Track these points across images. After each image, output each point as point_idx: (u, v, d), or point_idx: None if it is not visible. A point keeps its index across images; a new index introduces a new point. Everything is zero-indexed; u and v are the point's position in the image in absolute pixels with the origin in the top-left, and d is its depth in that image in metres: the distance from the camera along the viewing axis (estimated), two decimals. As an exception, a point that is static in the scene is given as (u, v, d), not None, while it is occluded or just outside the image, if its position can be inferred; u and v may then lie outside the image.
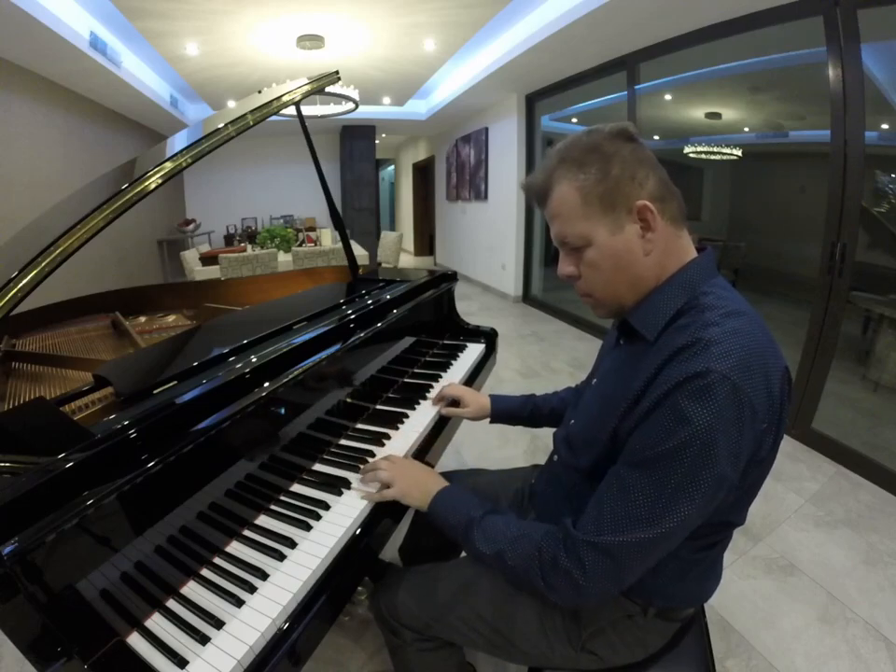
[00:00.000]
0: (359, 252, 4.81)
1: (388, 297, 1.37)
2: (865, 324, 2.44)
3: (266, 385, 0.87)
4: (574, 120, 4.94)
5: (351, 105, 4.54)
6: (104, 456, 0.63)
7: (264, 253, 4.24)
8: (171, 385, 0.86)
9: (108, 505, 0.61)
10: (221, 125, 1.11)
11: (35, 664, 0.53)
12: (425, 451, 1.09)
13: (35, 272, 0.78)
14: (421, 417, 1.17)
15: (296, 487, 0.92)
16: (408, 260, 9.51)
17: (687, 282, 0.66)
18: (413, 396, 1.26)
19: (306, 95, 1.39)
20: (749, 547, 1.70)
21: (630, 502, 0.60)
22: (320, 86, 1.45)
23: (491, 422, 1.18)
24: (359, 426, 1.14)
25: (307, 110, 4.68)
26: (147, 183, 0.94)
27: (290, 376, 0.92)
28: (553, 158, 0.69)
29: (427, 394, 1.27)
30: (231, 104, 5.41)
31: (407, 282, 1.56)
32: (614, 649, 0.78)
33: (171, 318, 1.72)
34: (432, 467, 1.03)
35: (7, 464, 0.62)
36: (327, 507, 0.85)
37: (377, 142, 7.89)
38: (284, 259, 4.58)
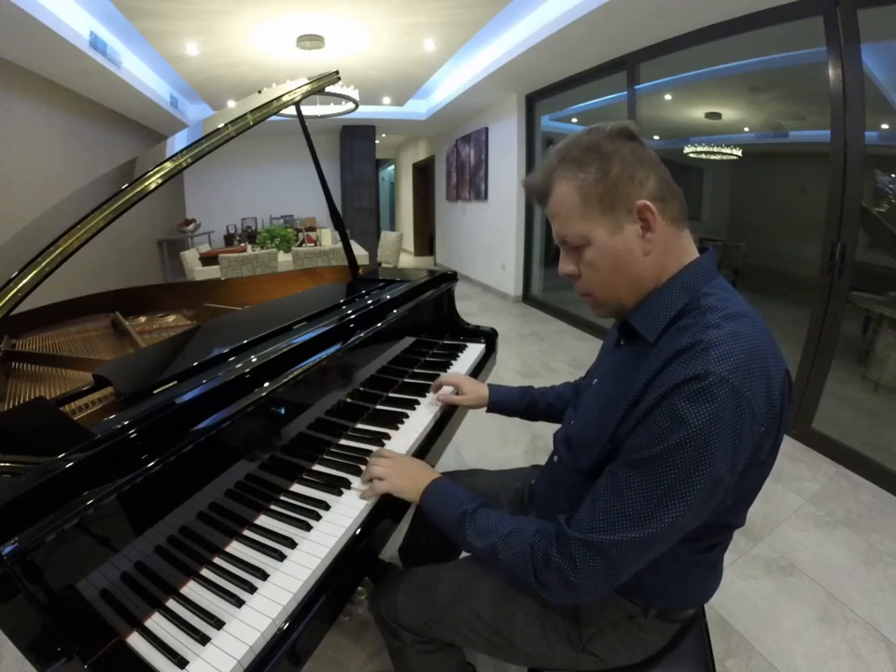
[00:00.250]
0: (359, 252, 4.81)
1: (388, 297, 1.37)
2: (865, 324, 2.44)
3: (266, 385, 0.87)
4: (574, 120, 4.94)
5: (351, 105, 4.54)
6: (104, 456, 0.63)
7: (264, 253, 4.24)
8: (171, 385, 0.86)
9: (108, 505, 0.61)
10: (221, 125, 1.11)
11: (35, 664, 0.53)
12: (425, 451, 1.09)
13: (35, 272, 0.78)
14: (421, 417, 1.17)
15: (296, 487, 0.92)
16: (408, 260, 9.50)
17: (688, 283, 0.66)
18: (414, 396, 1.26)
19: (306, 95, 1.39)
20: (749, 547, 1.70)
21: (623, 501, 0.60)
22: (320, 86, 1.45)
23: (488, 411, 1.18)
24: (359, 426, 1.14)
25: (307, 110, 4.68)
26: (147, 183, 0.94)
27: (290, 376, 0.92)
28: (554, 157, 0.69)
29: (428, 394, 1.27)
30: (231, 104, 5.41)
31: (407, 282, 1.56)
32: (614, 649, 0.78)
33: (171, 318, 1.72)
34: (432, 466, 1.03)
35: (7, 464, 0.62)
36: (327, 507, 0.85)
37: (377, 142, 7.89)
38: (284, 259, 4.58)
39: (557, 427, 0.95)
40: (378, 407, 1.23)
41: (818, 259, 2.29)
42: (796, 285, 2.77)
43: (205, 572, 0.72)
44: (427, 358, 1.53)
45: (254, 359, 0.92)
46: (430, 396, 1.25)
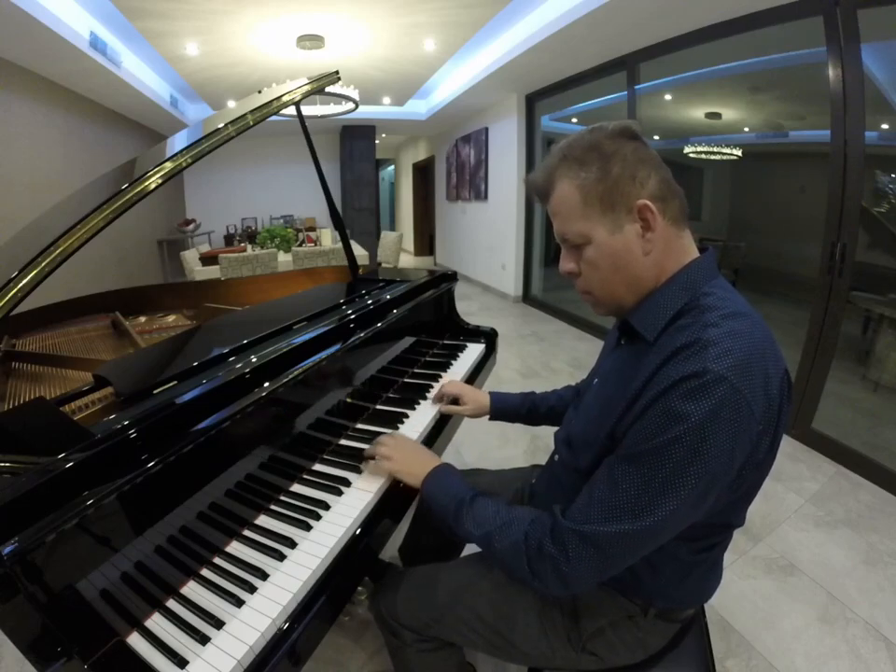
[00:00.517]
0: (359, 252, 4.81)
1: (388, 297, 1.37)
2: (865, 324, 2.44)
3: (266, 385, 0.87)
4: (574, 120, 4.94)
5: (351, 105, 4.54)
6: (104, 456, 0.63)
7: (264, 253, 4.24)
8: (171, 385, 0.86)
9: (108, 505, 0.61)
10: (221, 125, 1.11)
11: (35, 664, 0.53)
12: (425, 451, 1.08)
13: (35, 272, 0.78)
14: (421, 417, 1.17)
15: (296, 487, 0.92)
16: (408, 260, 9.50)
17: (688, 282, 0.66)
18: (413, 396, 1.26)
19: (306, 95, 1.39)
20: (749, 547, 1.70)
21: (618, 494, 0.60)
22: (320, 86, 1.45)
23: (490, 419, 1.18)
24: (359, 426, 1.14)
25: (307, 110, 4.68)
26: (147, 183, 0.94)
27: (290, 376, 0.92)
28: (556, 155, 0.69)
29: (427, 394, 1.27)
30: (231, 104, 5.41)
31: (407, 282, 1.56)
32: (614, 649, 0.78)
33: (171, 318, 1.72)
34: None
35: (7, 464, 0.62)
36: (327, 507, 0.85)
37: (377, 142, 7.89)
38: (284, 259, 4.58)
39: (558, 427, 0.95)
40: (378, 407, 1.23)
41: (818, 259, 2.29)
42: (796, 285, 2.77)
43: (205, 572, 0.72)
44: (427, 358, 1.53)
45: (254, 359, 0.92)
46: (430, 396, 1.25)
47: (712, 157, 3.36)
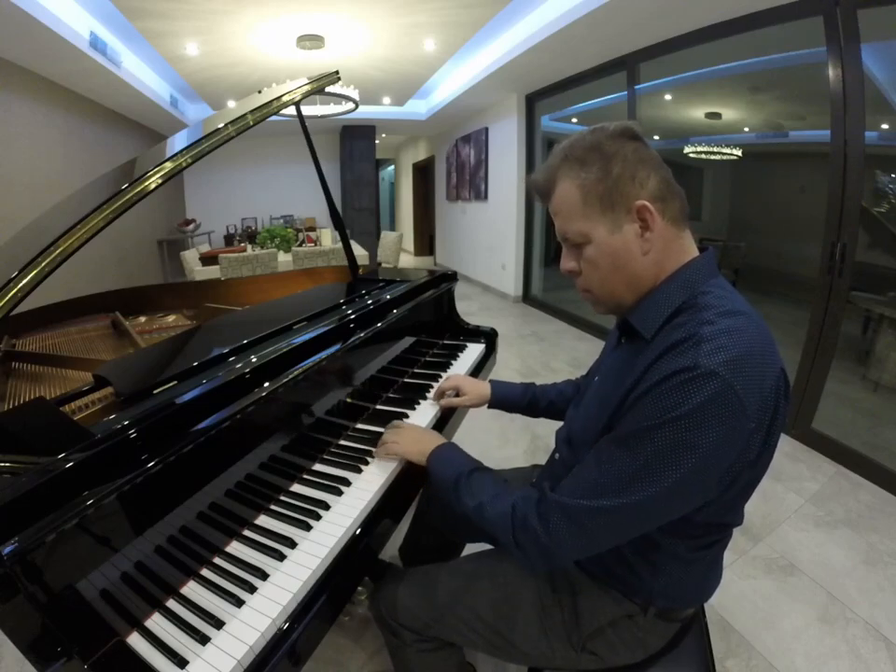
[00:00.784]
0: (359, 252, 4.81)
1: (388, 297, 1.37)
2: (865, 324, 2.44)
3: (266, 385, 0.87)
4: (574, 120, 4.94)
5: (351, 105, 4.54)
6: (104, 456, 0.63)
7: (264, 253, 4.24)
8: (171, 385, 0.86)
9: (108, 505, 0.61)
10: (221, 125, 1.11)
11: (35, 664, 0.53)
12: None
13: (35, 272, 0.78)
14: (421, 417, 1.17)
15: (296, 487, 0.92)
16: (408, 260, 9.50)
17: (686, 281, 0.66)
18: (414, 396, 1.26)
19: (306, 95, 1.39)
20: (749, 547, 1.70)
21: (601, 472, 0.62)
22: (320, 86, 1.45)
23: (489, 407, 1.19)
24: (359, 426, 1.14)
25: (307, 110, 4.68)
26: (147, 183, 0.94)
27: (290, 376, 0.92)
28: (557, 155, 0.69)
29: (428, 394, 1.27)
30: (231, 104, 5.41)
31: (407, 282, 1.56)
32: (614, 649, 0.78)
33: (171, 318, 1.72)
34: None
35: (7, 464, 0.62)
36: (327, 507, 0.85)
37: (377, 142, 7.89)
38: (284, 259, 4.58)
39: (557, 426, 0.95)
40: (378, 407, 1.23)
41: (818, 259, 2.29)
42: (796, 285, 2.77)
43: (205, 572, 0.72)
44: (427, 358, 1.53)
45: (254, 359, 0.92)
46: (430, 396, 1.25)
47: (712, 157, 3.36)
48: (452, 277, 1.72)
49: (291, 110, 1.40)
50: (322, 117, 4.99)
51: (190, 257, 4.67)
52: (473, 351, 1.60)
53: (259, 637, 0.62)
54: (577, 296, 0.76)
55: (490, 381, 1.20)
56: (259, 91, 1.44)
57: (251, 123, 1.19)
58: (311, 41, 3.84)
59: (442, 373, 1.41)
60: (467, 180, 6.60)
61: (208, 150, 1.07)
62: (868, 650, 1.32)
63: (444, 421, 1.20)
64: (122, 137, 5.40)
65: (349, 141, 7.10)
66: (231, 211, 7.57)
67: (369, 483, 0.92)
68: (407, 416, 1.17)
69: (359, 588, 1.15)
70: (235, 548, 0.77)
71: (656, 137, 3.79)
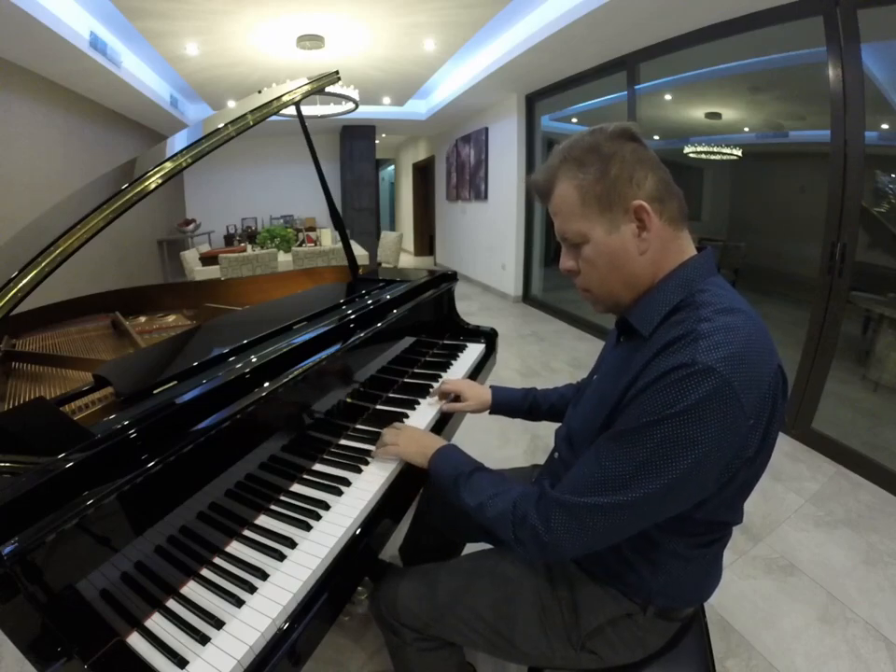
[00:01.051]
0: (359, 252, 4.81)
1: (388, 297, 1.37)
2: (865, 324, 2.44)
3: (266, 385, 0.87)
4: (574, 120, 4.94)
5: (351, 105, 4.54)
6: (104, 456, 0.63)
7: (264, 253, 4.24)
8: (171, 385, 0.86)
9: (108, 505, 0.61)
10: (221, 125, 1.11)
11: (35, 664, 0.53)
12: (425, 451, 1.08)
13: (35, 272, 0.78)
14: (421, 417, 1.17)
15: (296, 487, 0.92)
16: (408, 260, 9.50)
17: (684, 279, 0.67)
18: (414, 396, 1.26)
19: (306, 95, 1.39)
20: (749, 547, 1.70)
21: (601, 468, 0.62)
22: (320, 86, 1.45)
23: (490, 413, 1.19)
24: (359, 426, 1.14)
25: (307, 110, 4.68)
26: (147, 183, 0.94)
27: (290, 376, 0.92)
28: (556, 156, 0.70)
29: (427, 394, 1.27)
30: (231, 104, 5.41)
31: (407, 282, 1.56)
32: (614, 648, 0.78)
33: (171, 318, 1.72)
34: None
35: (7, 464, 0.62)
36: (327, 507, 0.85)
37: (377, 142, 7.89)
38: (284, 259, 4.58)
39: (557, 426, 0.95)
40: (378, 407, 1.23)
41: (818, 259, 2.29)
42: (796, 285, 2.76)
43: (205, 572, 0.72)
44: (427, 358, 1.53)
45: (254, 359, 0.92)
46: (430, 397, 1.25)
47: (712, 157, 3.36)
48: (452, 277, 1.72)
49: (291, 110, 1.40)
50: (322, 117, 4.99)
51: (190, 257, 4.67)
52: (473, 351, 1.60)
53: (258, 637, 0.62)
54: (577, 296, 0.76)
55: (491, 387, 1.19)
56: (259, 91, 1.44)
57: (251, 123, 1.19)
58: (311, 41, 3.84)
59: (442, 373, 1.41)
60: (467, 180, 6.60)
61: (208, 150, 1.07)
62: (868, 650, 1.32)
63: (444, 422, 1.20)
64: (122, 137, 5.40)
65: (349, 141, 7.10)
66: (231, 211, 7.57)
67: (369, 484, 0.92)
68: (407, 416, 1.17)
69: (359, 588, 1.14)
70: (235, 548, 0.77)
71: (656, 137, 3.79)
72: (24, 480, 0.57)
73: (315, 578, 0.72)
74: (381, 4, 3.27)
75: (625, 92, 3.73)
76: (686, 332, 0.59)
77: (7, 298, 0.76)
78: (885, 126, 2.21)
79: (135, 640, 0.61)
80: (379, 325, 1.21)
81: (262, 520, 0.84)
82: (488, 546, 0.98)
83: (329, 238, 5.59)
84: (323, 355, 1.01)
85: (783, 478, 2.10)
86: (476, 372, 1.50)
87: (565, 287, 5.03)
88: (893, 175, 2.22)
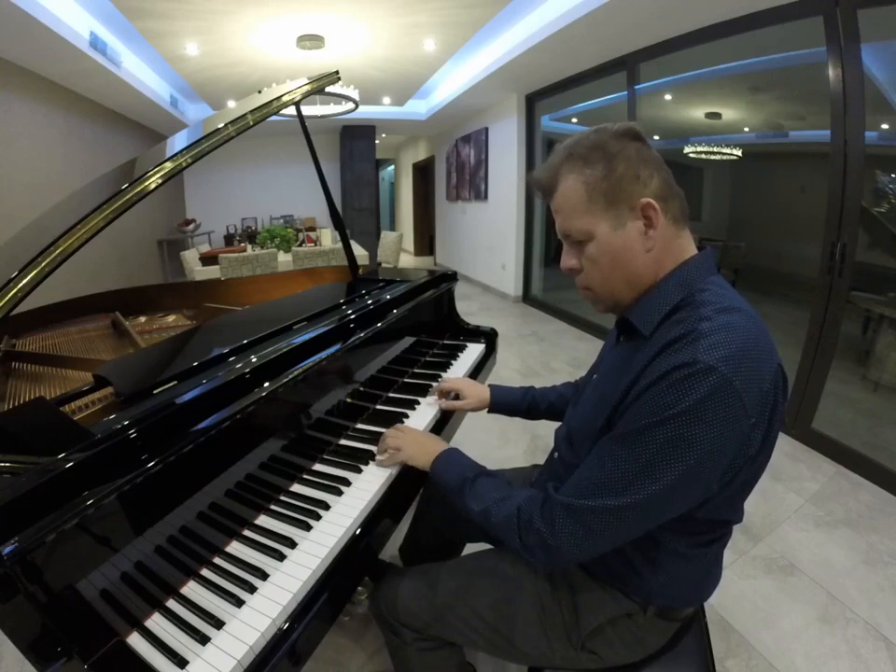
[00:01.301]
0: (359, 252, 4.81)
1: (388, 297, 1.37)
2: (865, 324, 2.44)
3: (266, 385, 0.87)
4: (574, 120, 4.94)
5: (351, 105, 4.54)
6: (104, 456, 0.63)
7: (264, 253, 4.24)
8: (171, 385, 0.86)
9: (108, 505, 0.61)
10: (221, 125, 1.11)
11: (35, 664, 0.53)
12: (425, 451, 1.08)
13: (35, 272, 0.78)
14: (421, 417, 1.17)
15: (296, 487, 0.92)
16: (408, 260, 9.50)
17: (684, 279, 0.67)
18: (414, 395, 1.26)
19: (306, 95, 1.39)
20: (749, 547, 1.70)
21: (604, 471, 0.62)
22: (320, 86, 1.45)
23: (489, 412, 1.19)
24: (359, 426, 1.14)
25: (307, 110, 4.68)
26: (147, 183, 0.94)
27: (290, 376, 0.92)
28: (560, 153, 0.70)
29: (428, 394, 1.27)
30: (231, 104, 5.41)
31: (407, 282, 1.56)
32: (614, 648, 0.78)
33: (171, 318, 1.72)
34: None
35: (7, 464, 0.62)
36: (327, 507, 0.85)
37: (377, 142, 7.89)
38: (284, 259, 4.58)
39: (557, 425, 0.95)
40: (378, 407, 1.23)
41: (818, 258, 2.29)
42: (796, 285, 2.77)
43: (205, 572, 0.72)
44: (427, 358, 1.53)
45: (254, 359, 0.92)
46: (430, 396, 1.25)
47: (712, 157, 3.36)
48: (452, 277, 1.72)
49: (291, 110, 1.40)
50: (322, 117, 4.99)
51: (190, 257, 4.67)
52: (473, 351, 1.60)
53: (258, 637, 0.62)
54: (577, 296, 0.76)
55: (490, 385, 1.20)
56: (259, 91, 1.44)
57: (251, 123, 1.19)
58: (311, 41, 3.83)
59: (443, 373, 1.41)
60: (467, 180, 6.60)
61: (208, 150, 1.07)
62: (868, 650, 1.32)
63: (444, 421, 1.20)
64: (122, 137, 5.40)
65: (349, 141, 7.10)
66: (231, 211, 7.57)
67: (369, 483, 0.92)
68: (407, 416, 1.17)
69: (359, 588, 1.14)
70: (235, 548, 0.77)
71: (656, 137, 3.79)
72: (24, 480, 0.57)
73: (315, 578, 0.72)
74: (381, 4, 3.27)
75: (625, 92, 3.73)
76: (687, 332, 0.59)
77: (7, 298, 0.76)
78: (885, 126, 2.21)
79: (135, 640, 0.61)
80: (379, 325, 1.21)
81: (262, 520, 0.84)
82: (488, 546, 0.98)
83: (329, 238, 5.58)
84: (323, 355, 1.01)
85: (783, 478, 2.10)
86: (476, 372, 1.50)
87: (565, 287, 5.03)
88: (893, 175, 2.22)
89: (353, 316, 1.19)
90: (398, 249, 5.96)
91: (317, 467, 0.98)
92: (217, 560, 0.75)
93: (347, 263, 1.73)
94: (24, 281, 0.78)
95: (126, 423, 0.69)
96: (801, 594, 1.51)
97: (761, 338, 0.61)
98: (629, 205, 0.65)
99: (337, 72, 1.51)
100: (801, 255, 2.76)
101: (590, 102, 4.52)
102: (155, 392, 0.84)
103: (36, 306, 1.64)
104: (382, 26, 3.68)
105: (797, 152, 2.88)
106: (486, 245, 6.20)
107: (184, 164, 1.02)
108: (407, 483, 0.97)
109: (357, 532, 0.82)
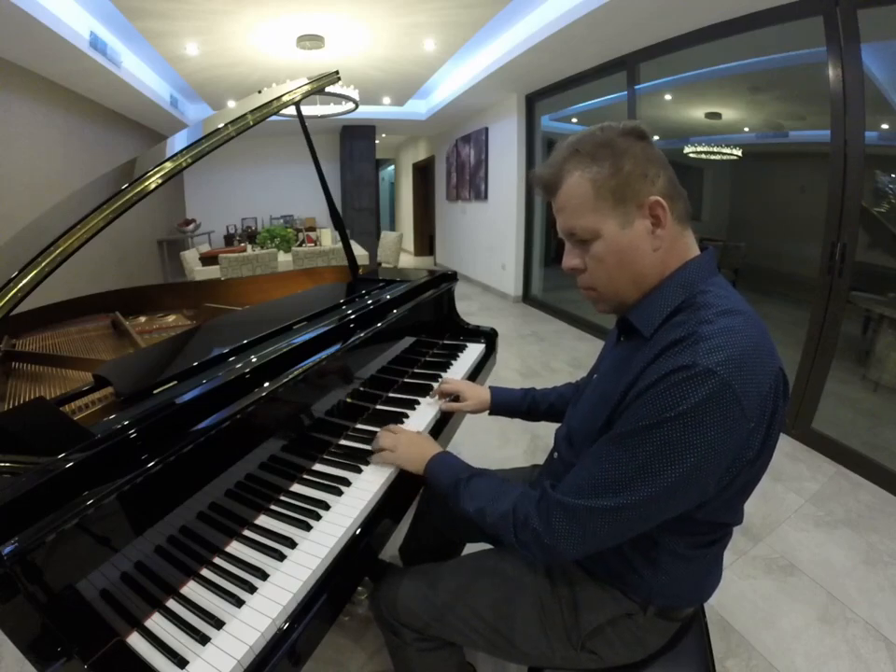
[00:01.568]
0: (359, 252, 4.81)
1: (388, 297, 1.37)
2: (865, 324, 2.44)
3: (266, 385, 0.87)
4: (574, 120, 4.94)
5: (351, 105, 4.54)
6: (104, 456, 0.63)
7: (264, 253, 4.24)
8: (171, 385, 0.86)
9: (108, 505, 0.61)
10: (221, 125, 1.11)
11: (35, 664, 0.53)
12: (425, 451, 1.08)
13: (35, 272, 0.78)
14: (421, 417, 1.17)
15: (296, 487, 0.92)
16: (408, 260, 9.50)
17: (686, 280, 0.67)
18: (414, 396, 1.26)
19: (306, 95, 1.39)
20: (749, 547, 1.70)
21: (601, 471, 0.62)
22: (320, 86, 1.45)
23: (490, 413, 1.19)
24: (359, 426, 1.14)
25: (307, 110, 4.68)
26: (147, 183, 0.94)
27: (290, 376, 0.92)
28: (565, 150, 0.69)
29: (428, 394, 1.27)
30: (231, 104, 5.41)
31: (407, 282, 1.56)
32: (614, 648, 0.78)
33: (171, 318, 1.72)
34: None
35: (7, 464, 0.62)
36: (327, 507, 0.85)
37: (377, 142, 7.88)
38: (284, 259, 4.58)
39: (557, 426, 0.95)
40: (378, 407, 1.23)
41: (818, 258, 2.29)
42: (796, 285, 2.77)
43: (205, 572, 0.72)
44: (427, 358, 1.53)
45: (254, 359, 0.92)
46: (430, 396, 1.25)
47: (712, 157, 3.36)
48: (452, 277, 1.72)
49: (291, 110, 1.40)
50: (322, 117, 4.99)
51: (190, 257, 4.67)
52: (473, 351, 1.60)
53: (258, 637, 0.62)
54: (577, 296, 0.76)
55: (490, 387, 1.19)
56: (259, 91, 1.44)
57: (251, 123, 1.19)
58: (311, 41, 3.83)
59: (443, 373, 1.41)
60: (467, 180, 6.60)
61: (208, 150, 1.07)
62: (868, 650, 1.32)
63: (444, 422, 1.20)
64: (122, 137, 5.40)
65: (349, 141, 7.10)
66: (231, 211, 7.57)
67: (369, 483, 0.92)
68: (407, 416, 1.17)
69: (359, 588, 1.15)
70: (235, 548, 0.77)
71: (656, 137, 3.78)
72: (24, 480, 0.57)
73: (315, 578, 0.72)
74: (381, 4, 3.27)
75: (625, 92, 3.73)
76: (688, 334, 0.59)
77: (7, 298, 0.76)
78: (885, 126, 2.21)
79: (135, 640, 0.61)
80: (379, 325, 1.21)
81: (262, 520, 0.84)
82: (488, 546, 0.98)
83: (328, 238, 5.58)
84: (323, 355, 1.01)
85: (783, 478, 2.10)
86: (476, 372, 1.50)
87: (565, 287, 5.03)
88: (893, 175, 2.22)
89: (353, 316, 1.19)
90: (398, 249, 5.96)
91: (317, 467, 0.98)
92: (217, 560, 0.75)
93: (347, 263, 1.73)
94: (24, 281, 0.78)
95: (126, 423, 0.69)
96: (801, 594, 1.51)
97: (761, 341, 0.60)
98: (637, 203, 0.65)
99: (337, 72, 1.51)
100: (801, 255, 2.76)
101: (590, 102, 4.52)
102: (155, 392, 0.84)
103: (36, 306, 1.64)
104: (382, 26, 3.68)
105: (797, 152, 2.88)
106: (486, 244, 6.20)
107: (184, 164, 1.02)
108: (407, 483, 0.96)
109: (357, 532, 0.82)
